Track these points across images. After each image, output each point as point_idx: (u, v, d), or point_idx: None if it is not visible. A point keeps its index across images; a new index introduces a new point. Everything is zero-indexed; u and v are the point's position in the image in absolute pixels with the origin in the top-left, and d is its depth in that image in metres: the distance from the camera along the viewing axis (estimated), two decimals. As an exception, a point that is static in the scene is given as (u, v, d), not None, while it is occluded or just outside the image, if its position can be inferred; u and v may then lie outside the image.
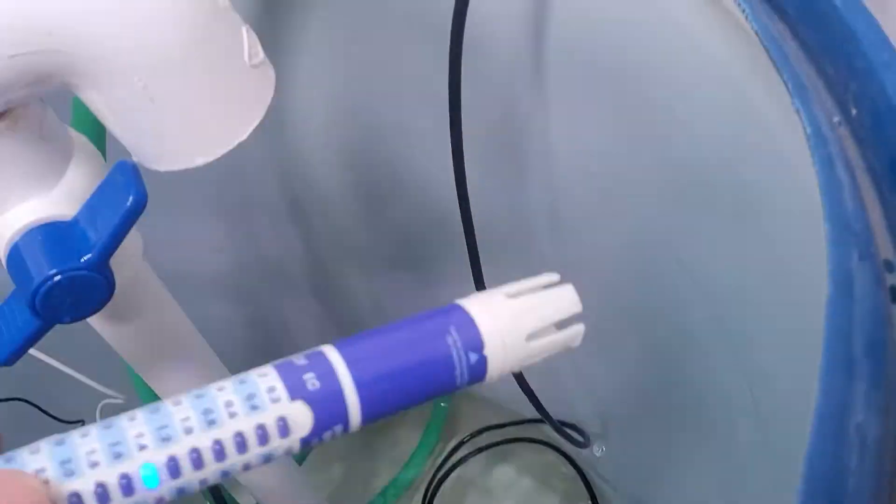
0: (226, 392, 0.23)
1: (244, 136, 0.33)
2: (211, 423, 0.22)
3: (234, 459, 0.22)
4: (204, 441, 0.22)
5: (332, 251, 0.85)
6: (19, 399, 0.65)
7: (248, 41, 0.32)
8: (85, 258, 0.33)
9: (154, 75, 0.30)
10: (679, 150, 0.49)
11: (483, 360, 0.26)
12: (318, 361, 0.24)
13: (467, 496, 0.93)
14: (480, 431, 0.94)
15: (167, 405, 0.22)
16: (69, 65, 0.29)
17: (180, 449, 0.22)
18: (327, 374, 0.24)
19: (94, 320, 0.42)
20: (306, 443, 0.24)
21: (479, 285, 0.58)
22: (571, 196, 0.61)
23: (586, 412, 0.78)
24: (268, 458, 0.23)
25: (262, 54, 0.33)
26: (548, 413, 0.70)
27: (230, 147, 0.33)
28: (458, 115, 0.50)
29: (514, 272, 0.29)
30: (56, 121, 0.35)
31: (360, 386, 0.24)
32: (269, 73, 0.34)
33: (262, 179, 0.75)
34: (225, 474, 0.23)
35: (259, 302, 0.90)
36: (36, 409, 0.67)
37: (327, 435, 0.24)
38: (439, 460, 0.94)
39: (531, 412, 0.93)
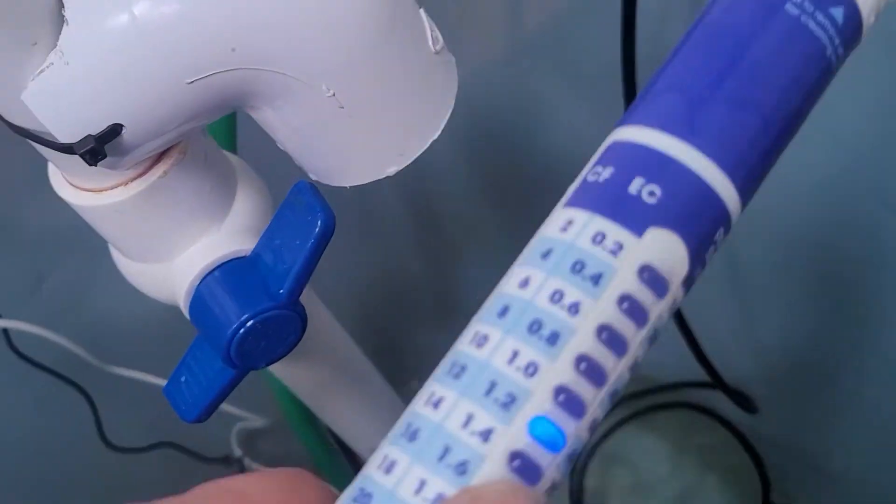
0: (536, 282, 0.15)
1: (437, 133, 0.29)
2: (556, 332, 0.14)
3: (622, 355, 0.15)
4: (578, 348, 0.14)
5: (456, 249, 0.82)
6: (166, 443, 0.62)
7: (428, 25, 0.28)
8: (277, 296, 0.30)
9: (344, 79, 0.25)
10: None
11: (852, 8, 0.17)
12: (629, 156, 0.16)
13: (616, 470, 0.89)
14: (622, 401, 0.90)
15: (472, 353, 0.15)
16: (251, 82, 0.25)
17: (558, 371, 0.14)
18: (659, 164, 0.15)
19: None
20: (690, 282, 0.16)
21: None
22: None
23: (749, 374, 0.73)
24: (654, 335, 0.16)
25: (441, 38, 0.29)
26: (719, 376, 0.65)
27: (424, 148, 0.29)
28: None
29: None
30: (216, 146, 0.32)
31: (716, 151, 0.15)
32: (451, 57, 0.29)
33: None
34: (616, 389, 0.15)
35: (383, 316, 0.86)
36: (178, 452, 0.64)
37: (710, 254, 0.16)
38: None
39: (667, 377, 0.89)
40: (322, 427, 0.60)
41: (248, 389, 0.62)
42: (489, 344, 0.15)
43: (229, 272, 0.30)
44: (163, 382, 0.55)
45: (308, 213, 0.29)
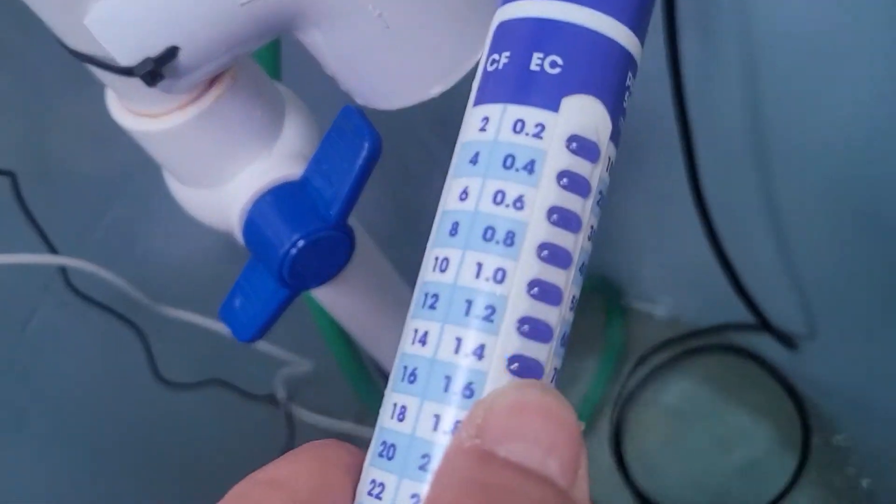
0: (475, 190, 0.15)
1: (479, 54, 0.29)
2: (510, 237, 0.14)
3: (578, 230, 0.15)
4: (536, 239, 0.14)
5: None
6: (214, 381, 0.64)
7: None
8: (327, 217, 0.31)
9: (390, -2, 0.26)
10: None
11: None
12: (519, 34, 0.15)
13: (656, 415, 0.90)
14: (658, 348, 0.90)
15: (439, 280, 0.15)
16: (300, 4, 0.26)
17: (525, 268, 0.14)
18: (551, 33, 0.15)
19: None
20: (616, 135, 0.15)
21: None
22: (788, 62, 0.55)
23: (789, 314, 0.73)
24: (601, 199, 0.15)
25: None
26: (759, 310, 0.65)
27: (467, 69, 0.29)
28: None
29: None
30: (265, 74, 0.33)
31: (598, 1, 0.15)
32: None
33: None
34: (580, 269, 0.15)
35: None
36: (226, 390, 0.66)
37: (627, 100, 0.16)
38: (619, 385, 0.91)
39: (706, 321, 0.90)
40: (368, 368, 0.62)
41: (295, 333, 0.64)
42: (452, 265, 0.15)
43: (280, 195, 0.32)
44: (212, 322, 0.57)
45: (355, 137, 0.30)
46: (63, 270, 0.49)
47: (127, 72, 0.26)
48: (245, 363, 0.68)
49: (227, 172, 0.32)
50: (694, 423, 0.89)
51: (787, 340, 0.70)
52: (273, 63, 0.37)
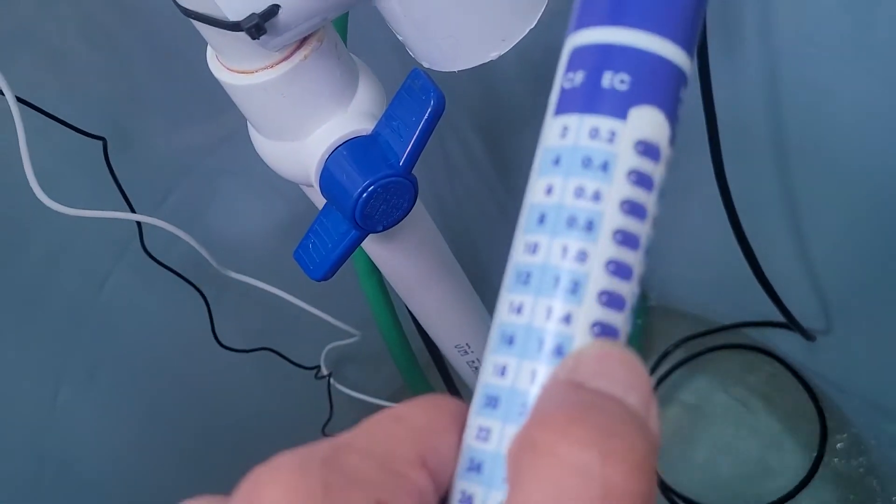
0: (558, 186, 0.18)
1: (535, 22, 0.34)
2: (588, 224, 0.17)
3: (645, 218, 0.18)
4: (611, 225, 0.17)
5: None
6: (266, 348, 0.69)
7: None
8: (396, 165, 0.35)
9: (461, -32, 0.31)
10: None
11: None
12: (591, 56, 0.18)
13: (674, 411, 0.93)
14: (679, 343, 0.93)
15: (531, 261, 0.18)
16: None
17: (602, 250, 0.17)
18: (619, 55, 0.18)
19: (366, 241, 0.44)
20: (673, 138, 0.18)
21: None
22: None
23: (807, 309, 0.76)
24: (662, 192, 0.18)
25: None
26: (781, 301, 0.68)
27: (523, 35, 0.34)
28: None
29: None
30: (342, 41, 0.37)
31: (654, 26, 0.18)
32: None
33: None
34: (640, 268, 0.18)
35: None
36: (276, 358, 0.71)
37: (679, 109, 0.19)
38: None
39: (728, 318, 0.92)
40: (409, 342, 0.66)
41: (344, 312, 0.68)
42: (541, 249, 0.17)
43: (354, 147, 0.36)
44: (271, 289, 0.61)
45: (422, 94, 0.34)
46: (140, 234, 0.53)
47: (235, 26, 0.31)
48: (295, 335, 0.72)
49: (307, 127, 0.36)
50: (712, 419, 0.91)
51: (806, 333, 0.72)
52: (343, 34, 0.41)
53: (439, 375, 0.67)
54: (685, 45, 0.18)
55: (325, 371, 0.77)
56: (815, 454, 0.85)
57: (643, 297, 0.99)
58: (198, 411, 0.65)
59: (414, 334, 0.61)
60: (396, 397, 0.87)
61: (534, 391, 0.17)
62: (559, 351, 0.17)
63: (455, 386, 0.68)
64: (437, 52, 0.34)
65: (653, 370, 0.94)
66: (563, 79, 0.18)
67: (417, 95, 0.35)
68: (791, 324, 0.71)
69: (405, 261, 0.46)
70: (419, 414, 0.17)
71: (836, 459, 0.85)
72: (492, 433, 0.17)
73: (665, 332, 0.97)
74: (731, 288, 0.84)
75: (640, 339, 0.97)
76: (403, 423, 0.17)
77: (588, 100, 0.18)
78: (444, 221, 0.86)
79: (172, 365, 0.62)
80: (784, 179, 0.66)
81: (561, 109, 0.18)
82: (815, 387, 0.87)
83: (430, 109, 0.34)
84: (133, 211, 0.51)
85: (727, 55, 0.60)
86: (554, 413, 0.15)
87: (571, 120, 0.18)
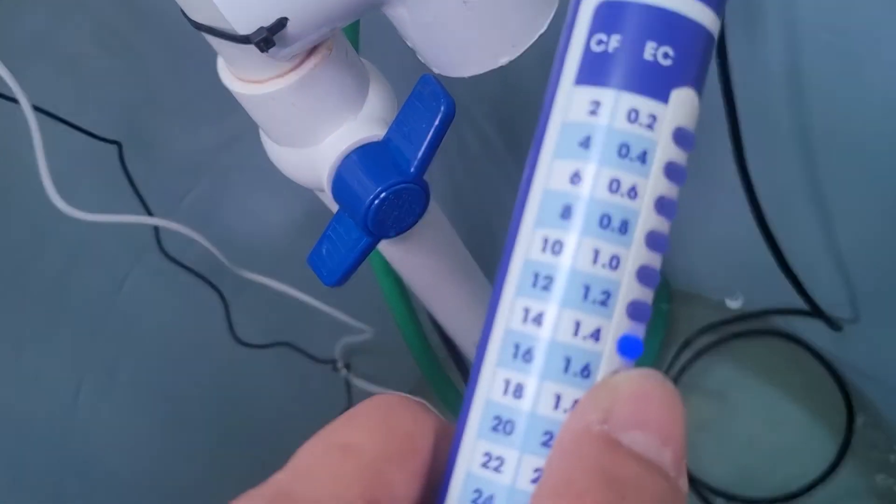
0: (589, 175, 0.15)
1: (545, 27, 0.33)
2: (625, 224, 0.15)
3: (672, 217, 0.15)
4: (645, 227, 0.15)
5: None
6: (283, 343, 0.69)
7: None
8: (407, 172, 0.35)
9: (469, -25, 0.30)
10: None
11: None
12: (633, 20, 0.15)
13: (699, 399, 0.92)
14: (704, 330, 0.92)
15: (553, 262, 0.15)
16: (393, -20, 0.30)
17: (636, 255, 0.15)
18: (667, 23, 0.15)
19: (381, 243, 0.44)
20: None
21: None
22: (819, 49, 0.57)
23: (833, 298, 0.75)
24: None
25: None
26: (808, 294, 0.67)
27: (532, 40, 0.33)
28: None
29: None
30: (352, 48, 0.37)
31: None
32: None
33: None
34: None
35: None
36: (293, 352, 0.71)
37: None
38: (665, 366, 0.94)
39: (751, 305, 0.92)
40: (427, 336, 0.66)
41: (358, 307, 0.68)
42: (567, 249, 0.15)
43: (365, 154, 0.36)
44: (285, 288, 0.62)
45: (433, 100, 0.34)
46: (157, 236, 0.54)
47: (244, 39, 0.31)
48: (311, 330, 0.73)
49: (318, 133, 0.36)
50: (738, 406, 0.91)
51: (832, 323, 0.72)
52: (354, 40, 0.41)
53: (457, 369, 0.67)
54: (718, 9, 0.15)
55: (341, 364, 0.77)
56: (841, 441, 0.84)
57: (665, 283, 0.98)
58: (217, 407, 0.66)
59: (431, 329, 0.61)
60: (417, 391, 0.87)
61: (558, 418, 0.15)
62: (586, 372, 0.15)
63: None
64: (446, 57, 0.34)
65: (676, 356, 0.94)
66: (591, 39, 0.15)
67: (428, 102, 0.34)
68: (817, 313, 0.70)
69: (420, 261, 0.46)
70: (368, 440, 0.15)
71: (862, 446, 0.85)
72: (506, 463, 0.15)
73: (689, 318, 0.96)
74: (757, 274, 0.83)
75: (664, 325, 0.96)
76: (351, 457, 0.15)
77: (628, 74, 0.15)
78: (463, 214, 0.86)
79: (192, 363, 0.63)
80: (808, 165, 0.66)
81: (589, 79, 0.15)
82: (842, 373, 0.86)
83: (440, 116, 0.34)
84: (150, 214, 0.52)
85: (746, 36, 0.59)
86: (587, 486, 0.13)
87: (606, 95, 0.15)
